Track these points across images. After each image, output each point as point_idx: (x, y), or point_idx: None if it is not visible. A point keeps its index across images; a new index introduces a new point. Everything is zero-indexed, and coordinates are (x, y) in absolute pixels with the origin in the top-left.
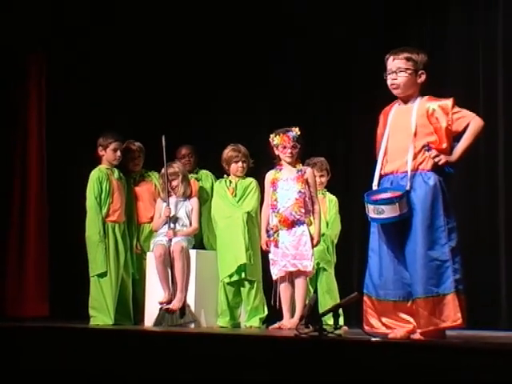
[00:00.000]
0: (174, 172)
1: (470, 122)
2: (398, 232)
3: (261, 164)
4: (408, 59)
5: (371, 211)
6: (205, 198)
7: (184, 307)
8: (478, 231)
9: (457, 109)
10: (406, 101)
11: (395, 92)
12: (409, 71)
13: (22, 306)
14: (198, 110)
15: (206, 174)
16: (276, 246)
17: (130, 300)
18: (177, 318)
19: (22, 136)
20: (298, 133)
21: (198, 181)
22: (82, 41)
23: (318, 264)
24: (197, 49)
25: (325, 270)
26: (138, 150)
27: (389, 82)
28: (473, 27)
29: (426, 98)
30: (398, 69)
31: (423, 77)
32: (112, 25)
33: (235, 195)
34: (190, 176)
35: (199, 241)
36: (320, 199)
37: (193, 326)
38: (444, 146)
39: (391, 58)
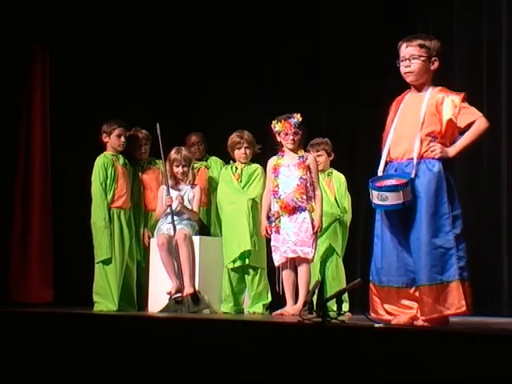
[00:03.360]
0: (187, 157)
1: (476, 121)
2: (402, 219)
3: (268, 150)
4: (421, 46)
5: (375, 197)
6: (214, 187)
7: (196, 294)
8: (479, 219)
9: (465, 104)
10: (418, 88)
11: (408, 79)
12: (422, 58)
13: (27, 292)
14: (205, 96)
15: (215, 161)
16: (277, 232)
17: (134, 286)
18: (190, 305)
19: (26, 122)
20: (300, 119)
21: (208, 169)
22: (85, 30)
23: (330, 246)
24: (202, 35)
25: (332, 253)
26: (145, 137)
27: (402, 69)
28: (477, 19)
29: (438, 88)
30: (411, 56)
31: (436, 64)
32: (117, 14)
33: (240, 181)
34: (199, 164)
35: (207, 229)
36: (326, 182)
37: (208, 311)
38: (446, 137)
39: (404, 44)
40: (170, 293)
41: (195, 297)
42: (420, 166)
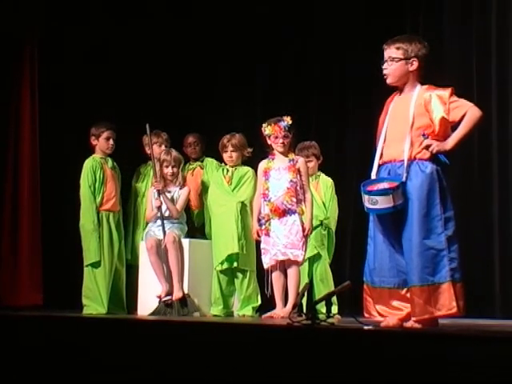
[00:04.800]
0: (177, 158)
1: (467, 112)
2: (394, 220)
3: (259, 153)
4: (398, 48)
5: (366, 201)
6: (206, 188)
7: (185, 297)
8: (471, 220)
9: (454, 98)
10: (403, 90)
11: (387, 81)
12: (396, 60)
13: (16, 296)
14: (202, 97)
15: (210, 163)
16: (267, 235)
17: (124, 289)
18: (179, 308)
19: (15, 124)
20: (290, 122)
21: (202, 169)
22: (76, 28)
23: (315, 247)
24: (194, 34)
25: (320, 256)
26: (167, 139)
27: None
28: (467, 16)
29: (425, 87)
30: (388, 58)
31: (415, 64)
32: (109, 10)
33: (231, 184)
34: (195, 164)
35: (202, 231)
36: (313, 185)
37: (198, 314)
38: (440, 135)
39: (384, 47)
40: (159, 296)
41: (184, 300)
42: (412, 167)
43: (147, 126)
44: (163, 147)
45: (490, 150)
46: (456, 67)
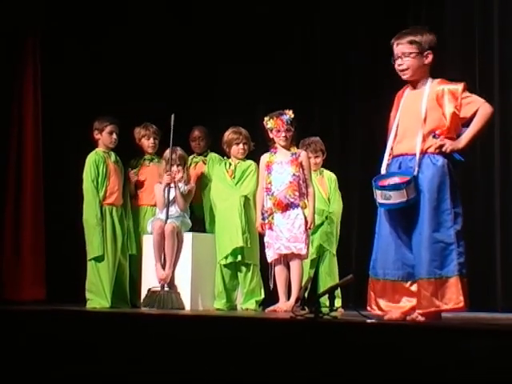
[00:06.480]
0: (182, 156)
1: (479, 108)
2: (404, 213)
3: (259, 146)
4: (411, 42)
5: (379, 196)
6: (206, 183)
7: (172, 290)
8: (474, 214)
9: (466, 94)
10: (415, 84)
11: (403, 77)
12: (412, 55)
13: (19, 290)
14: (197, 93)
15: (213, 158)
16: (271, 228)
17: (127, 283)
18: (164, 300)
19: (18, 118)
20: (292, 116)
21: (205, 164)
22: (79, 22)
23: (321, 246)
24: (195, 33)
25: (327, 248)
26: (155, 132)
27: (396, 67)
28: (469, 10)
29: (437, 81)
30: (402, 54)
31: (430, 57)
32: (113, 9)
33: (234, 177)
34: (198, 158)
35: (203, 225)
36: (318, 180)
37: (185, 311)
38: (451, 131)
39: (395, 43)
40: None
41: (170, 294)
42: (424, 160)
43: (172, 116)
44: (152, 140)
45: (492, 146)
46: (458, 67)
